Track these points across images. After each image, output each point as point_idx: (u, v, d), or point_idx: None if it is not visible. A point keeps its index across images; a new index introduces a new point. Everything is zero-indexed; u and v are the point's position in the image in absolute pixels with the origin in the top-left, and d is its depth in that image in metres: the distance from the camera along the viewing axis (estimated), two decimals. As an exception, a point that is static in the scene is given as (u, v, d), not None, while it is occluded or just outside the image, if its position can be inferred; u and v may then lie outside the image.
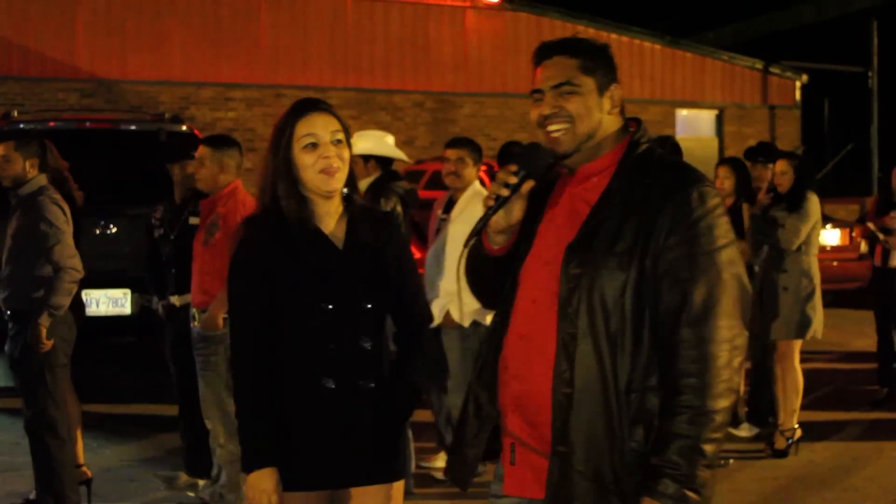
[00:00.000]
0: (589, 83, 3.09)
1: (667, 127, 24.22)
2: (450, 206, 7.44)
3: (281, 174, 3.57)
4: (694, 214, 2.95)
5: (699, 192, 2.98)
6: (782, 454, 8.16)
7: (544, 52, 3.16)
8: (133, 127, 10.63)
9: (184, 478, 7.48)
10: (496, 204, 3.09)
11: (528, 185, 3.10)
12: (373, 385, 3.60)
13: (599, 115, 3.10)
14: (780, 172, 8.24)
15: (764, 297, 8.13)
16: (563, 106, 3.08)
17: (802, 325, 8.06)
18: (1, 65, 18.47)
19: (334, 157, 3.55)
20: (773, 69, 25.72)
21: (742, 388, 8.70)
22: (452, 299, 7.08)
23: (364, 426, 3.59)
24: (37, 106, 17.45)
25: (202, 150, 6.68)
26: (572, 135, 3.08)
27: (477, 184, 7.34)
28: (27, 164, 6.58)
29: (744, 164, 9.01)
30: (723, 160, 9.25)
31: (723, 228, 2.98)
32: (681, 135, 24.40)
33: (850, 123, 29.37)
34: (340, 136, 3.59)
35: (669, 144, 7.73)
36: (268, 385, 3.57)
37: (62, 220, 6.46)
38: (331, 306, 3.55)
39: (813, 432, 8.70)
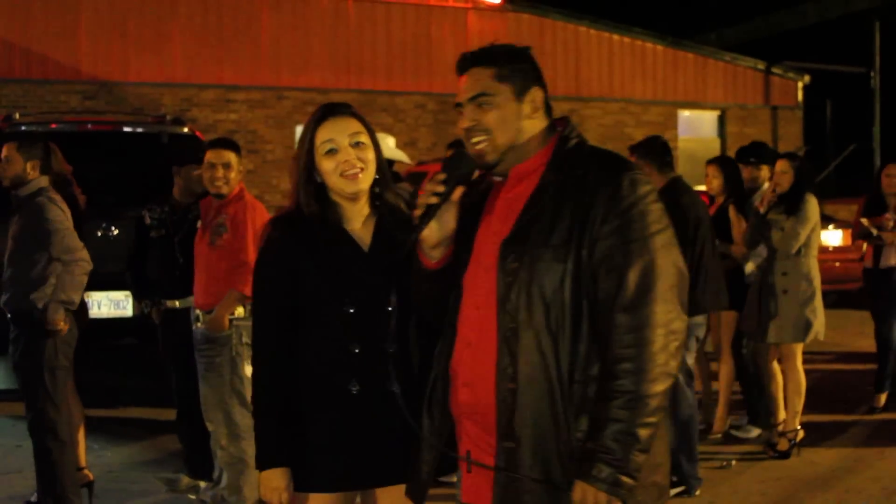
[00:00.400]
0: (505, 91, 3.12)
1: (669, 128, 24.22)
2: None
3: (303, 181, 3.65)
4: (625, 202, 2.97)
5: (630, 180, 3.00)
6: (785, 455, 8.15)
7: (463, 64, 3.20)
8: (135, 129, 10.63)
9: (185, 480, 7.48)
10: (427, 214, 3.11)
11: (459, 192, 3.13)
12: (397, 389, 3.58)
13: (518, 122, 3.13)
14: (780, 172, 8.21)
15: (763, 299, 8.11)
16: (480, 119, 3.12)
17: (803, 328, 8.04)
18: (3, 67, 18.49)
19: (354, 160, 3.61)
20: (776, 70, 25.71)
21: (723, 394, 8.72)
22: None
23: (389, 429, 3.60)
24: (39, 108, 17.48)
25: (229, 155, 6.63)
26: (493, 146, 3.12)
27: None
28: (28, 165, 6.59)
29: (733, 164, 8.98)
30: (711, 159, 9.20)
31: (655, 214, 3.00)
32: (683, 135, 24.44)
33: (852, 124, 29.34)
34: (360, 137, 3.64)
35: (659, 144, 7.69)
36: (286, 385, 3.61)
37: (62, 217, 6.46)
38: (354, 309, 3.58)
39: (815, 434, 8.69)
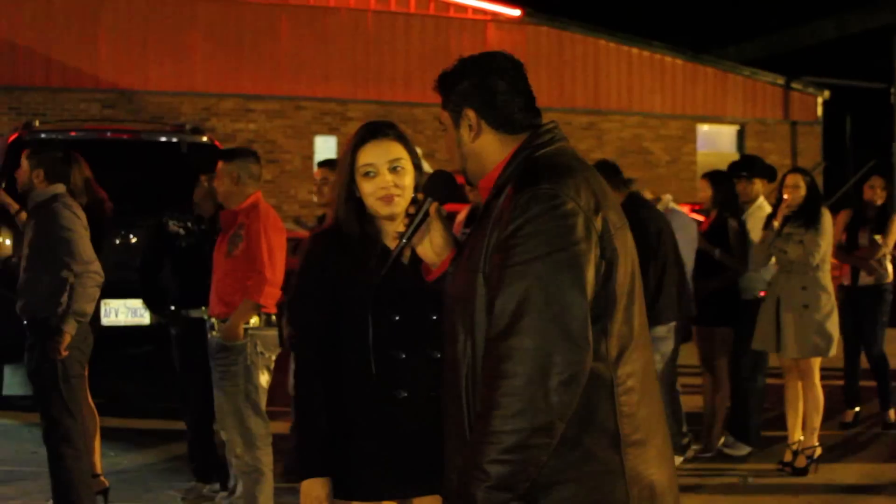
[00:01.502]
0: (447, 119, 3.09)
1: (687, 142, 24.18)
2: (472, 219, 7.41)
3: (342, 199, 3.73)
4: (515, 222, 2.76)
5: (530, 196, 2.78)
6: (802, 473, 8.08)
7: None
8: (154, 137, 10.64)
9: (200, 486, 7.49)
10: (407, 231, 3.16)
11: (433, 207, 3.16)
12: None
13: (460, 149, 3.06)
14: (793, 186, 8.15)
15: (781, 314, 8.05)
16: (444, 142, 3.15)
17: (827, 342, 7.99)
18: (23, 75, 18.56)
19: (391, 187, 3.67)
20: (795, 85, 25.64)
21: (722, 411, 8.66)
22: None
23: (432, 435, 3.55)
24: (59, 116, 17.53)
25: (219, 164, 6.67)
26: (471, 174, 3.10)
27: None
28: (32, 174, 6.60)
29: (725, 177, 8.90)
30: (704, 174, 9.09)
31: (546, 236, 2.74)
32: (701, 150, 24.38)
33: (872, 140, 29.23)
34: (400, 163, 3.69)
35: (609, 166, 7.85)
36: (328, 396, 3.64)
37: (78, 224, 6.46)
38: (399, 316, 3.65)
39: (833, 451, 8.62)
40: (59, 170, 6.69)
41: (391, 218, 3.72)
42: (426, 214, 3.16)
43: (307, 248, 3.80)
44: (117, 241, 9.47)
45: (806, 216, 8.04)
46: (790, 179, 8.23)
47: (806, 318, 7.96)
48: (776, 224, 8.12)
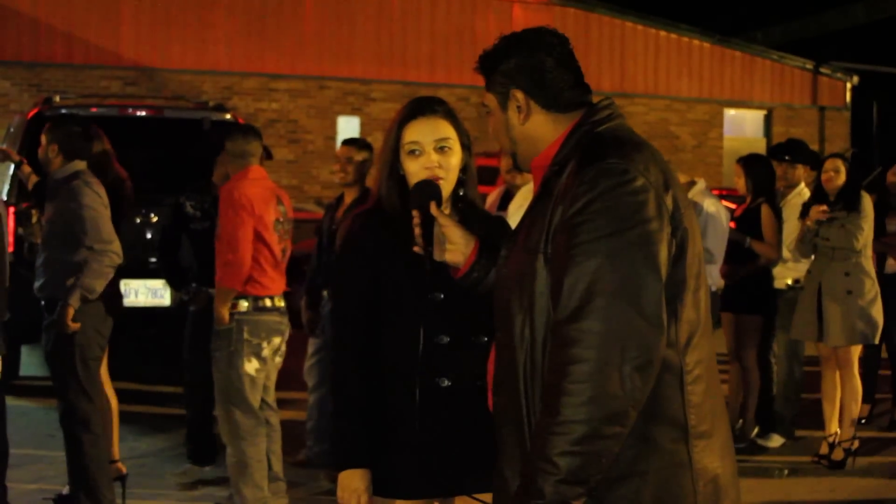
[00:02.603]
0: (492, 101, 2.92)
1: (714, 126, 23.94)
2: (505, 201, 7.21)
3: (385, 176, 3.57)
4: (583, 199, 2.58)
5: (598, 170, 2.61)
6: (840, 466, 7.86)
7: None
8: (176, 114, 10.46)
9: (192, 469, 7.45)
10: (425, 249, 3.13)
11: (432, 208, 3.13)
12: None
13: (509, 132, 2.90)
14: (833, 171, 7.95)
15: (823, 302, 7.84)
16: (490, 126, 2.98)
17: (872, 329, 7.77)
18: (44, 52, 18.44)
19: (436, 168, 3.49)
20: (824, 70, 25.37)
21: (754, 400, 8.42)
22: None
23: (479, 427, 3.40)
24: (79, 93, 17.37)
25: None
26: (521, 159, 2.96)
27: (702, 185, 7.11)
28: (49, 148, 6.41)
29: (761, 162, 8.64)
30: (739, 158, 8.79)
31: (619, 213, 2.56)
32: (728, 135, 24.17)
33: (899, 126, 28.98)
34: (447, 143, 3.52)
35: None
36: (368, 384, 3.46)
37: (98, 202, 6.25)
38: (442, 296, 3.45)
39: (869, 443, 8.41)
40: (77, 145, 6.47)
41: None
42: (430, 221, 3.07)
43: (347, 229, 3.62)
44: (137, 220, 9.30)
45: (846, 200, 7.83)
46: (830, 164, 8.04)
47: (850, 304, 7.74)
48: (808, 223, 7.85)
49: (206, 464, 7.46)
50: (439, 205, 3.17)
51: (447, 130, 3.53)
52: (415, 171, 3.48)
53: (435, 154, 3.49)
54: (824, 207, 7.84)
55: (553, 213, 2.66)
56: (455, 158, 3.53)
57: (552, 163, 2.79)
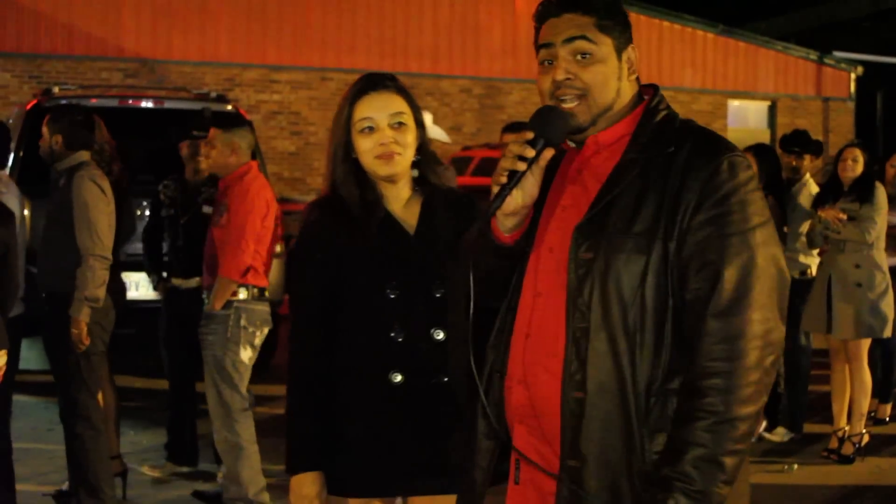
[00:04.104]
0: (607, 44, 2.67)
1: (718, 118, 23.82)
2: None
3: (339, 159, 3.36)
4: (724, 188, 2.53)
5: (730, 163, 2.56)
6: (849, 461, 7.77)
7: (551, 9, 2.71)
8: (177, 105, 10.37)
9: (168, 466, 7.39)
10: (512, 181, 2.61)
11: (549, 155, 2.62)
12: (446, 380, 3.28)
13: (617, 83, 2.68)
14: (852, 160, 7.84)
15: (833, 294, 7.74)
16: (578, 73, 2.65)
17: (882, 322, 7.66)
18: (45, 43, 18.34)
19: (391, 143, 3.30)
20: (828, 60, 25.26)
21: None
22: None
23: (434, 426, 3.28)
24: (80, 85, 17.29)
25: (212, 132, 6.45)
26: (588, 107, 2.66)
27: None
28: (52, 140, 6.31)
29: (771, 153, 8.52)
30: (747, 147, 8.63)
31: (758, 205, 2.57)
32: (732, 126, 24.05)
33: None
34: (402, 118, 3.32)
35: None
36: (323, 382, 3.30)
37: (98, 199, 6.15)
38: (397, 293, 3.28)
39: (879, 438, 8.32)
40: (81, 135, 6.37)
41: (391, 179, 3.36)
42: (535, 159, 2.61)
43: (304, 219, 3.44)
44: (137, 212, 9.19)
45: (860, 191, 7.72)
46: (849, 153, 7.91)
47: (860, 297, 7.64)
48: (823, 214, 7.75)
49: (182, 463, 7.41)
50: (561, 143, 2.73)
51: (401, 105, 3.34)
52: (368, 148, 3.30)
53: (389, 130, 3.30)
54: (843, 215, 7.70)
55: (678, 198, 2.55)
56: (411, 135, 3.34)
57: (641, 142, 2.64)
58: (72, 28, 18.44)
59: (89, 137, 6.43)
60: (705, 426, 2.44)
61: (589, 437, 2.55)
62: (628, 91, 2.71)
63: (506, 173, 2.61)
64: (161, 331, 7.56)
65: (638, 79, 2.75)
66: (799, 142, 8.69)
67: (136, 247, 8.03)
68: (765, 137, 24.02)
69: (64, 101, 9.43)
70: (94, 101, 9.90)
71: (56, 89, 10.16)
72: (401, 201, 3.40)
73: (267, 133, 18.65)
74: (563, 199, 2.72)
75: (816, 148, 8.87)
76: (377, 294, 3.29)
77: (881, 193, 7.76)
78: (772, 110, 24.89)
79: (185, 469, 7.36)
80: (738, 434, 2.45)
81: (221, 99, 10.53)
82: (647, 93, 2.76)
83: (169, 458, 7.43)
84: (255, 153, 7.02)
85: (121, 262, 6.91)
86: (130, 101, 10.45)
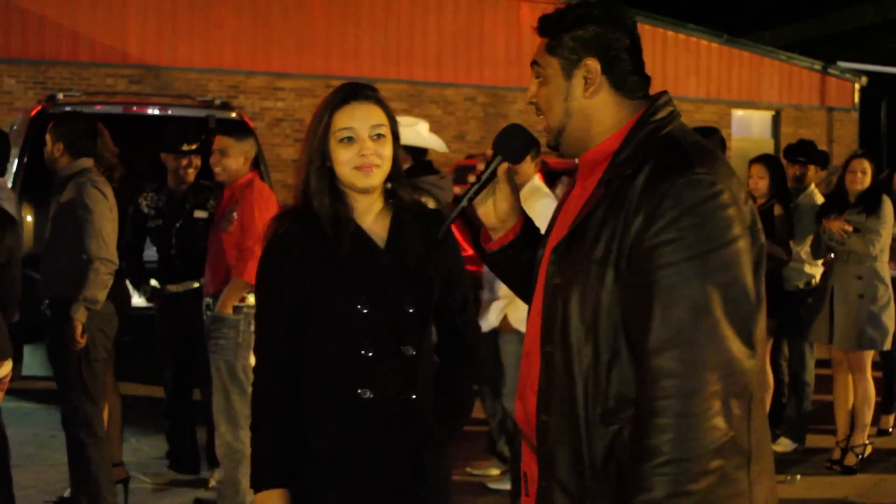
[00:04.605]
0: (552, 65, 2.64)
1: (722, 127, 23.76)
2: None
3: (314, 167, 3.24)
4: (673, 211, 2.37)
5: (687, 181, 2.39)
6: (851, 471, 7.76)
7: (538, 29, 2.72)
8: (182, 112, 10.37)
9: (169, 474, 7.41)
10: (467, 193, 2.74)
11: (503, 168, 2.77)
12: (415, 397, 3.21)
13: (566, 103, 2.63)
14: (861, 171, 7.82)
15: (835, 305, 7.73)
16: (533, 93, 2.68)
17: (883, 334, 7.65)
18: (50, 49, 18.33)
19: (372, 155, 3.20)
20: (832, 70, 25.24)
21: (767, 403, 8.30)
22: (511, 302, 6.68)
23: (404, 443, 3.21)
24: (85, 91, 17.29)
25: (228, 141, 6.45)
26: (547, 126, 2.67)
27: (537, 179, 6.87)
28: (55, 147, 6.31)
29: (780, 163, 8.53)
30: (757, 158, 8.55)
31: (716, 225, 2.37)
32: (736, 135, 24.02)
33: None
34: (382, 130, 3.24)
35: (717, 139, 7.34)
36: (289, 397, 3.21)
37: (101, 204, 6.15)
38: (368, 309, 3.18)
39: (882, 449, 8.30)
40: (83, 143, 6.37)
41: (367, 191, 3.25)
42: (493, 174, 2.76)
43: (269, 231, 3.29)
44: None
45: (867, 203, 7.70)
46: (857, 164, 7.88)
47: (861, 308, 7.63)
48: (829, 225, 7.74)
49: (184, 471, 7.42)
50: (521, 160, 2.86)
51: (381, 117, 3.25)
52: (347, 158, 3.20)
53: (370, 142, 3.21)
54: (848, 227, 7.69)
55: (628, 222, 2.44)
56: (389, 148, 3.26)
57: (617, 162, 2.55)
58: (77, 34, 18.44)
59: (91, 145, 6.43)
60: (653, 469, 2.34)
61: (554, 460, 2.55)
62: (597, 108, 2.63)
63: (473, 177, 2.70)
64: (159, 339, 7.54)
65: (631, 87, 2.65)
66: (804, 152, 8.67)
67: (146, 253, 8.03)
68: (769, 147, 24.01)
69: (68, 108, 9.45)
70: (98, 108, 9.90)
71: (61, 96, 10.14)
72: (371, 214, 3.32)
73: (271, 140, 18.64)
74: (558, 221, 2.73)
75: (823, 159, 8.85)
76: (348, 309, 3.19)
77: (888, 207, 7.75)
78: (776, 120, 24.85)
79: (188, 477, 7.35)
80: (691, 474, 2.32)
81: (226, 106, 10.52)
82: (649, 103, 2.66)
83: (171, 466, 7.43)
84: (260, 160, 7.05)
85: (124, 270, 6.90)
86: (135, 108, 10.45)
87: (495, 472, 7.41)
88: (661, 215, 2.38)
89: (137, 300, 8.94)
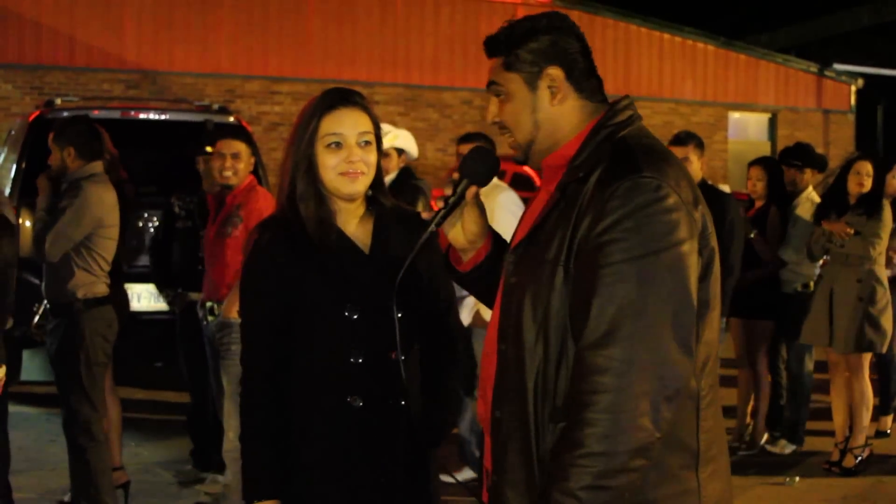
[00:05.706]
0: (514, 80, 2.67)
1: (719, 130, 23.84)
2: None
3: (300, 172, 3.22)
4: (614, 214, 2.40)
5: (633, 183, 2.42)
6: (851, 473, 7.76)
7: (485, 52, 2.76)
8: (179, 117, 10.37)
9: (193, 473, 7.45)
10: (434, 218, 2.78)
11: (472, 192, 2.80)
12: (403, 402, 3.21)
13: (535, 115, 2.66)
14: (866, 174, 7.82)
15: (834, 308, 7.74)
16: (500, 115, 2.71)
17: (882, 337, 7.66)
18: (47, 54, 18.35)
19: (359, 162, 3.21)
20: (828, 73, 25.29)
21: (765, 406, 8.32)
22: None
23: (393, 449, 3.21)
24: (81, 96, 17.31)
25: (240, 146, 6.46)
26: (516, 143, 2.71)
27: (495, 178, 6.86)
28: (63, 153, 6.30)
29: (777, 165, 8.56)
30: (755, 160, 8.62)
31: (654, 229, 2.40)
32: (732, 138, 24.08)
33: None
34: (369, 137, 3.23)
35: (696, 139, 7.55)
36: (278, 406, 3.20)
37: (100, 208, 6.15)
38: (356, 315, 3.18)
39: (881, 450, 8.31)
40: (93, 145, 6.36)
41: (351, 198, 3.25)
42: (461, 198, 2.78)
43: (253, 239, 3.27)
44: (140, 224, 9.20)
45: (868, 206, 7.71)
46: (861, 167, 7.87)
47: (860, 311, 7.64)
48: (834, 227, 7.74)
49: (208, 469, 7.40)
50: (487, 183, 2.86)
51: (368, 124, 3.24)
52: (333, 164, 3.19)
53: (357, 148, 3.21)
54: (849, 229, 7.70)
55: (577, 224, 2.48)
56: (375, 155, 3.26)
57: (572, 166, 2.59)
58: (73, 39, 18.46)
59: (101, 147, 6.44)
60: (569, 460, 2.37)
61: (505, 455, 2.59)
62: (562, 115, 2.66)
63: (439, 206, 2.78)
64: (179, 345, 7.51)
65: (594, 94, 2.68)
66: (800, 155, 8.68)
67: (139, 258, 8.02)
68: (765, 149, 24.06)
69: (66, 113, 9.44)
70: (96, 113, 9.90)
71: (58, 101, 10.14)
72: (354, 220, 3.31)
73: (268, 144, 18.65)
74: (528, 217, 2.76)
75: (820, 163, 8.83)
76: (336, 315, 3.18)
77: (888, 211, 7.75)
78: (772, 122, 24.91)
79: (189, 479, 7.37)
80: (600, 470, 2.34)
81: (223, 110, 10.52)
82: (607, 108, 2.69)
83: (195, 464, 7.49)
84: (258, 164, 7.04)
85: (123, 274, 6.91)
86: (132, 113, 10.45)
87: (470, 474, 7.38)
88: (606, 216, 2.42)
89: (136, 304, 8.97)
